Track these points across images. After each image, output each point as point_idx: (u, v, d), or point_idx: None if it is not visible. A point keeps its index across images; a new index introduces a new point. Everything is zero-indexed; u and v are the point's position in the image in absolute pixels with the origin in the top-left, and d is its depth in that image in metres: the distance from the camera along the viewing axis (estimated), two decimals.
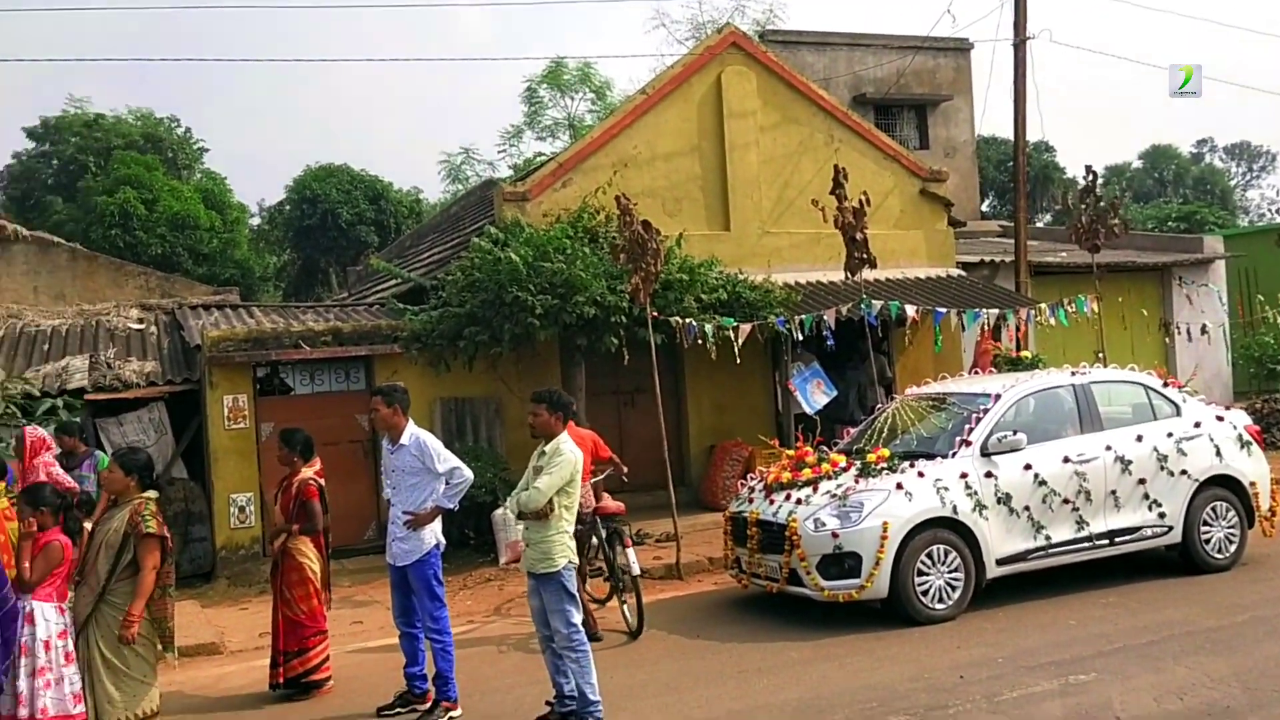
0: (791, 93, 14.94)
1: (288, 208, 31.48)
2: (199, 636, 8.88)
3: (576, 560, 6.51)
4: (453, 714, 6.75)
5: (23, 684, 5.91)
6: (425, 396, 12.40)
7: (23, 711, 5.92)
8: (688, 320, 11.93)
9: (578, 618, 6.35)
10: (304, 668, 7.44)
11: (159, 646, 6.46)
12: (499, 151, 31.46)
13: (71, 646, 6.11)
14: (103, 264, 16.31)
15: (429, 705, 6.82)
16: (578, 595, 6.48)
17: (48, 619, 6.04)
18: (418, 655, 7.10)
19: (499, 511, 11.22)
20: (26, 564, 6.04)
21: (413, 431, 7.05)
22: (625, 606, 8.60)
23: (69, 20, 69.98)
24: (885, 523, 8.13)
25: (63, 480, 8.09)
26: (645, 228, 10.82)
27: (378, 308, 14.71)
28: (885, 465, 8.62)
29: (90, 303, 15.11)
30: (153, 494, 6.52)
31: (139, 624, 6.19)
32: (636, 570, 8.50)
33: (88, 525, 6.54)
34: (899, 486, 8.33)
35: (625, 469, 9.40)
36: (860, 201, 11.78)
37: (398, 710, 6.96)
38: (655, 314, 11.42)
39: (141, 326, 14.08)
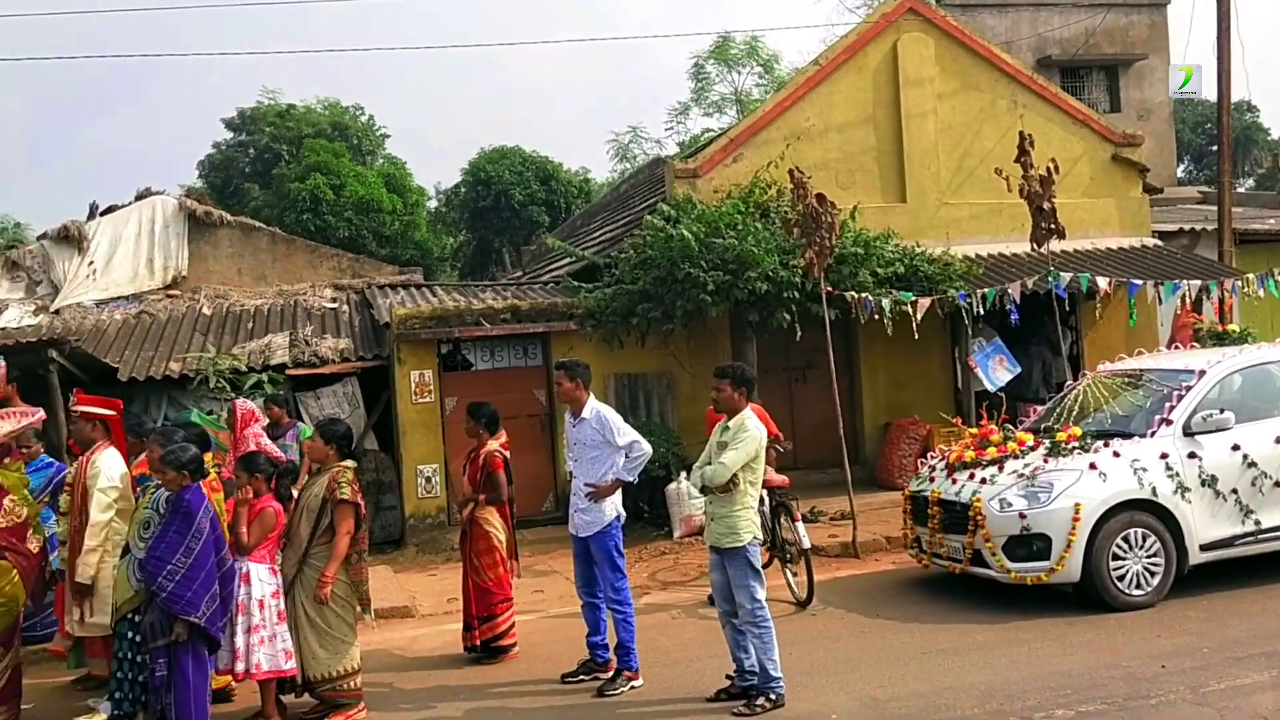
0: (972, 57, 14.39)
1: (463, 190, 32.45)
2: (393, 600, 9.33)
3: (761, 535, 6.52)
4: (634, 683, 6.87)
5: (239, 640, 6.35)
6: (599, 372, 12.55)
7: (239, 666, 6.37)
8: (864, 295, 11.70)
9: (762, 593, 6.35)
10: (492, 633, 7.71)
11: (357, 608, 6.83)
12: (666, 129, 31.62)
13: (282, 606, 6.52)
14: (299, 246, 17.24)
15: (611, 674, 6.96)
16: (762, 570, 6.48)
17: (261, 579, 6.47)
18: (600, 625, 7.24)
19: (673, 485, 11.37)
20: (243, 529, 6.48)
21: (594, 406, 7.18)
22: (793, 578, 8.67)
23: (261, 16, 74.08)
24: (1077, 504, 7.79)
25: (271, 450, 8.60)
26: (819, 201, 10.65)
27: (552, 286, 15.02)
28: (1077, 444, 8.25)
29: (289, 283, 16.03)
30: (350, 463, 6.87)
31: (332, 585, 6.52)
32: (807, 544, 8.52)
33: (295, 492, 6.97)
34: (1092, 466, 7.96)
35: (789, 445, 9.36)
36: (1048, 169, 11.25)
37: (581, 678, 7.12)
38: (829, 289, 11.24)
39: (335, 305, 14.85)
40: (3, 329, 13.88)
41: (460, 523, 8.07)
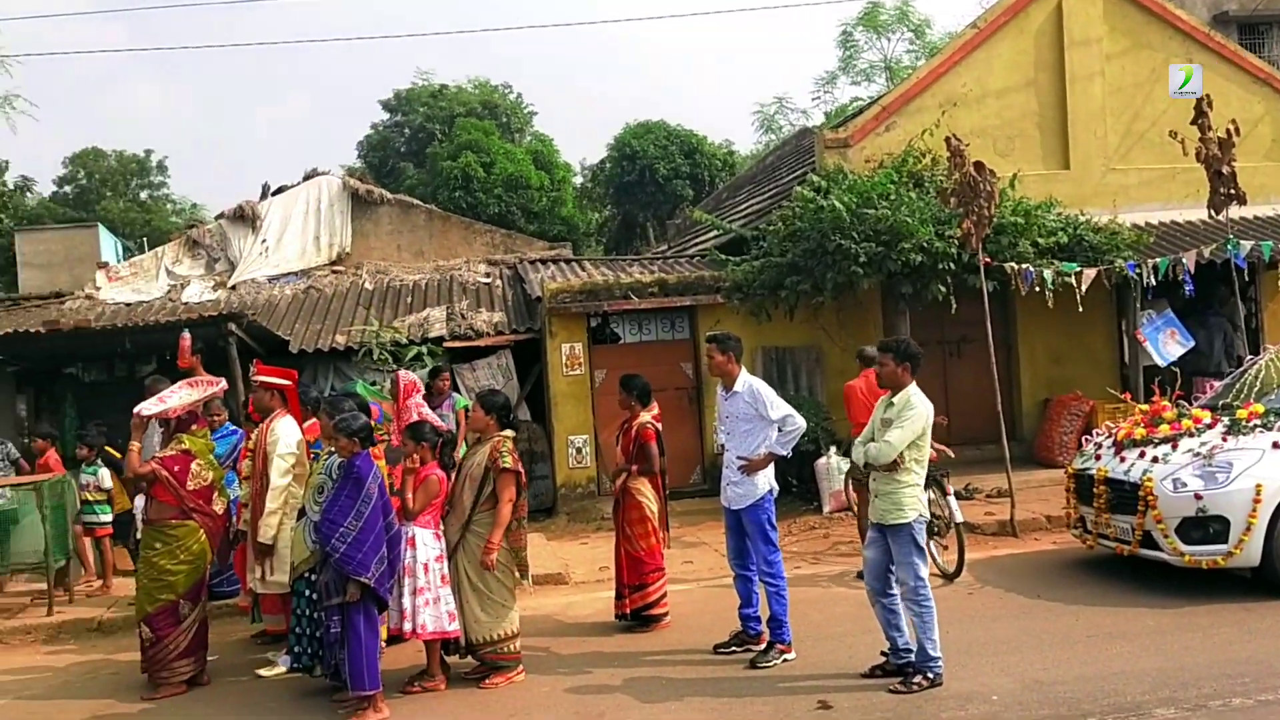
0: (1142, 15, 13.68)
1: (608, 165, 32.70)
2: (547, 567, 9.56)
3: (927, 513, 6.41)
4: (787, 656, 6.86)
5: (406, 601, 6.61)
6: (747, 346, 12.34)
7: (406, 626, 6.63)
8: (1024, 266, 11.29)
9: (925, 571, 6.25)
10: (644, 602, 7.83)
11: (516, 574, 7.03)
12: (813, 99, 31.05)
13: (446, 569, 6.76)
14: (454, 223, 17.74)
15: (763, 647, 6.97)
16: (925, 548, 6.37)
17: (426, 544, 6.72)
18: (752, 597, 7.25)
19: (822, 460, 11.28)
20: (409, 495, 6.74)
21: (746, 379, 7.17)
22: (942, 552, 8.61)
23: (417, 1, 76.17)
24: (1259, 484, 7.37)
25: (433, 420, 8.91)
26: (977, 169, 10.31)
27: (698, 259, 15.03)
28: (1259, 422, 7.80)
29: (444, 259, 16.53)
30: (509, 433, 7.05)
31: (497, 551, 6.73)
32: (959, 517, 8.46)
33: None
34: (1275, 445, 7.51)
35: (944, 419, 9.14)
36: (1227, 131, 10.59)
37: (733, 649, 7.16)
38: (988, 260, 10.89)
39: (489, 280, 15.23)
40: (185, 304, 14.78)
41: (613, 493, 8.19)
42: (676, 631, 7.74)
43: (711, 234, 16.32)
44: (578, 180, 35.19)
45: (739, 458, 7.08)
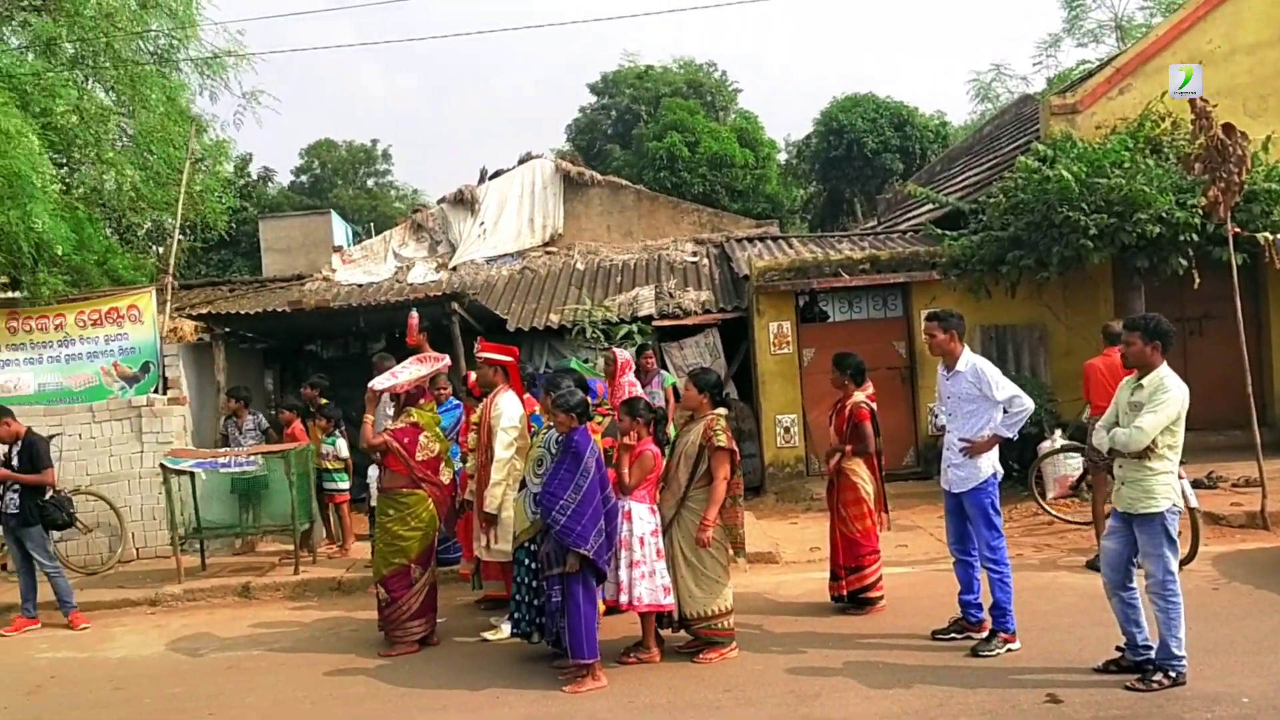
0: None
1: (814, 141, 32.15)
2: (757, 545, 9.52)
3: (1181, 503, 5.99)
4: (1011, 646, 6.58)
5: (623, 574, 6.73)
6: (965, 324, 12.09)
7: (623, 598, 6.76)
8: (1278, 236, 10.34)
9: (1175, 563, 5.84)
10: (859, 584, 7.69)
11: (730, 551, 7.04)
12: (1034, 65, 29.51)
13: (661, 544, 6.85)
14: (662, 203, 17.92)
15: (985, 635, 6.71)
16: (1176, 540, 5.95)
17: (642, 518, 6.82)
18: (973, 583, 6.99)
19: (1046, 443, 10.74)
20: (625, 470, 6.86)
21: (969, 358, 6.89)
22: None
23: None
24: None
25: (644, 397, 9.03)
26: (1226, 131, 9.50)
27: (911, 235, 14.58)
28: None
29: (652, 238, 16.73)
30: (722, 411, 7.06)
31: (712, 529, 6.77)
32: (1194, 502, 8.05)
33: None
34: None
35: None
36: None
37: (953, 636, 6.93)
38: (1236, 229, 10.03)
39: (695, 259, 15.31)
40: (411, 285, 15.58)
41: (826, 473, 8.07)
42: (892, 615, 7.57)
43: (925, 208, 15.79)
44: (782, 157, 34.80)
45: (961, 439, 6.82)
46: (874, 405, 7.85)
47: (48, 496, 8.93)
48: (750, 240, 15.48)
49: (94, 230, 13.75)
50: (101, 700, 6.81)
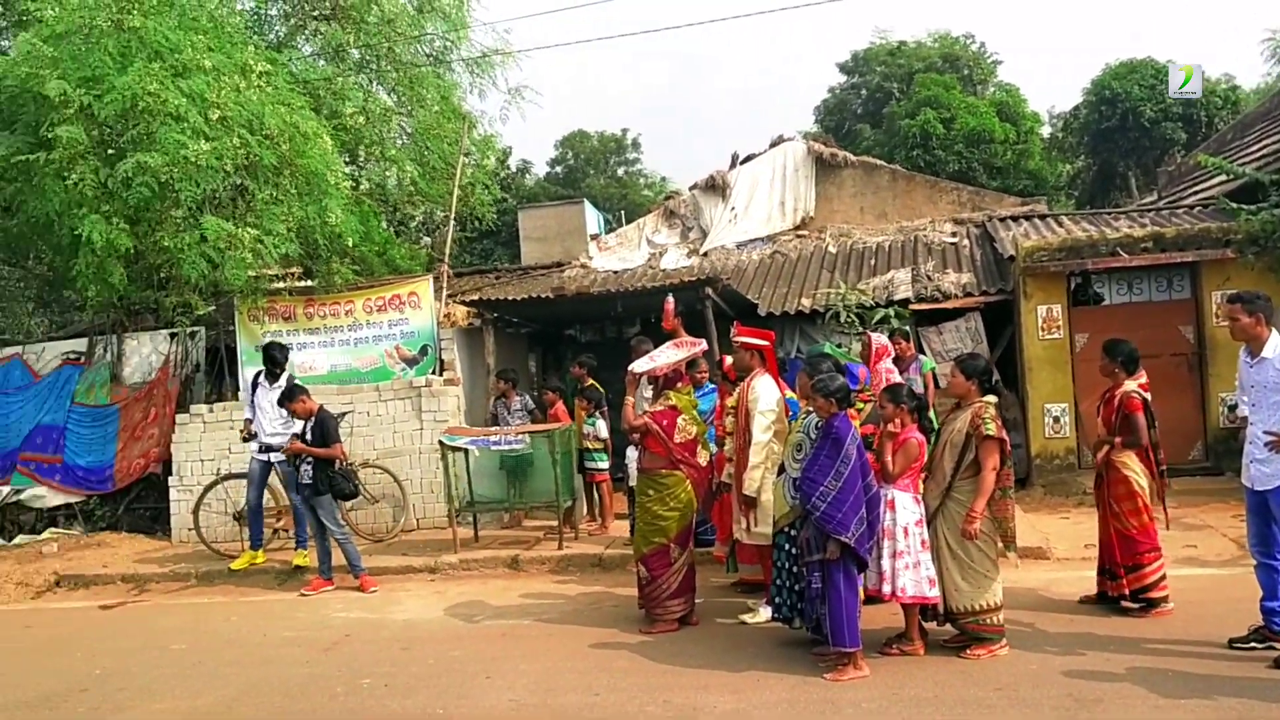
0: None
1: (1083, 112, 30.19)
2: (1025, 540, 9.03)
3: None
4: None
5: (885, 563, 6.58)
6: None
7: (885, 588, 6.61)
8: None
9: None
10: (1140, 584, 7.18)
11: (999, 544, 6.74)
12: None
13: (926, 534, 6.64)
14: (919, 182, 17.33)
15: None
16: None
17: (906, 507, 6.63)
18: (1276, 589, 6.34)
19: None
20: (888, 458, 6.70)
21: (1277, 344, 6.25)
22: None
23: None
24: None
25: (904, 384, 8.79)
26: None
27: (1200, 209, 13.41)
28: None
29: (908, 219, 16.23)
30: (991, 398, 6.75)
31: (980, 521, 6.49)
32: None
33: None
34: None
35: None
36: None
37: (1253, 645, 6.33)
38: None
39: (955, 240, 14.73)
40: (664, 270, 15.86)
41: (1095, 466, 7.57)
42: (1181, 620, 7.01)
43: (1215, 180, 14.48)
44: (1046, 131, 32.90)
45: (1267, 433, 6.20)
46: (1147, 395, 7.30)
47: (337, 468, 9.72)
48: (1014, 219, 14.72)
49: (375, 223, 14.84)
50: (391, 659, 7.37)
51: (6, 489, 13.49)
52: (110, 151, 11.44)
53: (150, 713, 6.44)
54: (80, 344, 14.20)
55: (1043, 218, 14.76)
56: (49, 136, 10.98)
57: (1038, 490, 11.68)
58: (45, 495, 13.52)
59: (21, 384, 13.93)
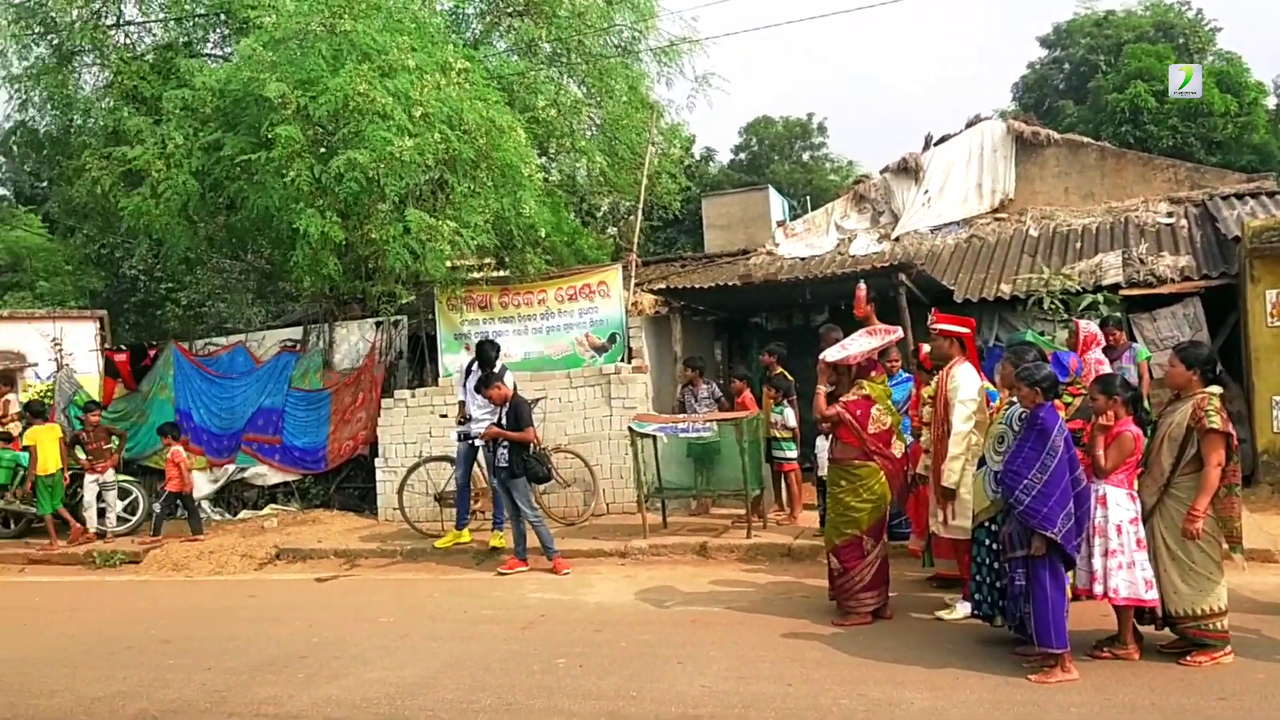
0: None
1: None
2: (1253, 542, 8.38)
3: None
4: None
5: (1096, 562, 6.23)
6: None
7: (1097, 588, 6.26)
8: None
9: None
10: None
11: (1223, 545, 6.28)
12: None
13: (1141, 533, 6.25)
14: (1130, 160, 16.28)
15: None
16: None
17: (1119, 504, 6.26)
18: None
19: None
20: (1100, 451, 6.34)
21: None
22: None
23: None
24: None
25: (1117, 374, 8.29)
26: None
27: None
28: None
29: (1117, 199, 15.30)
30: (1216, 390, 6.29)
31: (1203, 520, 6.08)
32: None
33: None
34: None
35: None
36: None
37: None
38: None
39: (1170, 220, 13.80)
40: (854, 256, 15.54)
41: None
42: None
43: None
44: (1271, 101, 30.38)
45: None
46: None
47: (530, 452, 10.00)
48: (1239, 197, 13.67)
49: (565, 213, 15.18)
50: (585, 640, 7.52)
51: (232, 467, 14.57)
52: (323, 149, 12.14)
53: (363, 681, 6.81)
54: (295, 332, 15.16)
55: (1271, 195, 13.63)
56: (269, 136, 11.74)
57: (1264, 489, 10.82)
58: (266, 474, 14.55)
59: (245, 369, 15.01)
